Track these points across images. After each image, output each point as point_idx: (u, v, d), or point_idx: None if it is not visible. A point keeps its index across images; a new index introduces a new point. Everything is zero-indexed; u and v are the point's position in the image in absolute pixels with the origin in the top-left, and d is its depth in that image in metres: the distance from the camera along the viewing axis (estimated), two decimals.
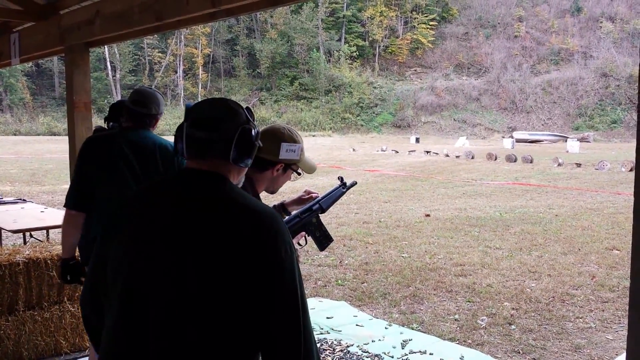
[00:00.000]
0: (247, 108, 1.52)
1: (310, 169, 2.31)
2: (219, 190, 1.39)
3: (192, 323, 1.28)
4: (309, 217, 2.47)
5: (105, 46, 45.51)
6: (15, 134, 44.00)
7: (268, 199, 2.45)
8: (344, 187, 2.61)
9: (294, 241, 2.36)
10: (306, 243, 2.44)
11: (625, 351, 1.52)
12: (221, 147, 1.41)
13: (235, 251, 1.28)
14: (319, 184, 14.78)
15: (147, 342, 1.29)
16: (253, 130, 1.46)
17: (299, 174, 2.28)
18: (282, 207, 2.55)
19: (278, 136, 2.14)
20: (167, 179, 1.49)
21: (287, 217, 2.47)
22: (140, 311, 1.31)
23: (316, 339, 4.66)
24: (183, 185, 1.41)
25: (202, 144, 1.41)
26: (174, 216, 1.35)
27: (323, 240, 2.50)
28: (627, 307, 1.49)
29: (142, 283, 1.32)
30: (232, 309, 1.28)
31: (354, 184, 2.71)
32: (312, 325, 4.73)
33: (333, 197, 2.57)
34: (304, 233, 2.41)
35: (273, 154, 2.11)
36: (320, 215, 2.52)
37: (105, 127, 3.55)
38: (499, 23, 64.29)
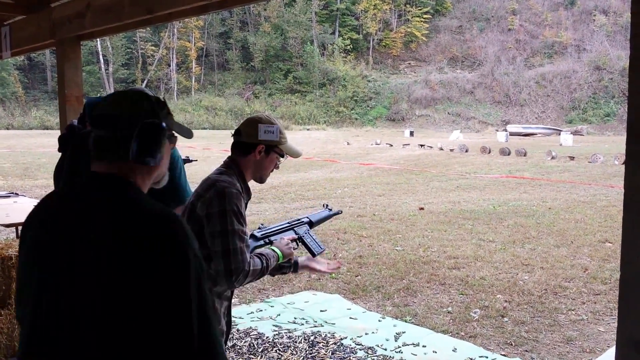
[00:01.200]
0: (157, 99, 1.42)
1: (294, 153, 2.42)
2: (117, 194, 1.29)
3: (94, 336, 1.20)
4: (298, 225, 2.58)
5: (98, 39, 45.28)
6: (7, 128, 43.75)
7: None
8: (329, 210, 2.78)
9: (285, 239, 2.41)
10: (297, 247, 2.52)
11: (615, 343, 1.53)
12: (120, 146, 1.30)
13: (127, 260, 1.19)
14: (313, 177, 14.80)
15: (56, 351, 1.24)
16: (158, 125, 1.34)
17: (282, 156, 2.36)
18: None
19: (255, 120, 2.28)
20: (73, 183, 1.39)
21: (276, 224, 2.55)
22: (48, 323, 1.25)
23: (310, 332, 4.65)
24: (84, 190, 1.32)
25: (102, 144, 1.32)
26: (70, 224, 1.27)
27: (315, 248, 2.59)
28: (619, 299, 1.51)
29: (46, 295, 1.26)
30: (130, 322, 1.19)
31: (339, 212, 2.89)
32: (306, 318, 4.68)
33: (321, 215, 2.74)
34: (293, 236, 2.50)
35: (252, 136, 2.24)
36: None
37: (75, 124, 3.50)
38: (492, 16, 64.30)
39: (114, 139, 1.30)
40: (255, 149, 2.26)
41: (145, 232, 1.22)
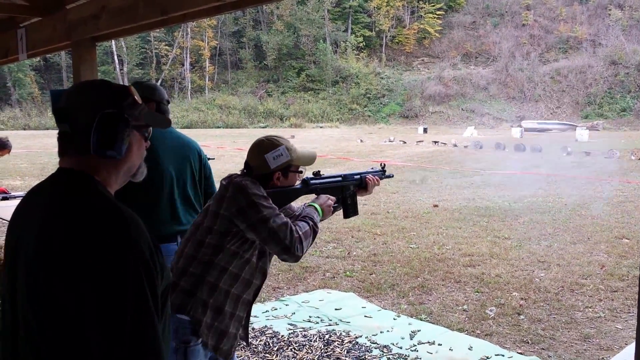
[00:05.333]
0: (120, 88, 1.35)
1: (308, 161, 2.38)
2: (69, 190, 1.24)
3: (30, 334, 1.18)
4: (349, 184, 2.56)
5: (112, 40, 45.60)
6: (24, 129, 44.19)
7: None
8: (383, 172, 2.71)
9: (329, 199, 2.43)
10: (338, 206, 2.52)
11: (634, 340, 1.52)
12: (80, 139, 1.26)
13: (62, 259, 1.14)
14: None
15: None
16: (118, 115, 1.28)
17: (301, 172, 2.37)
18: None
19: (259, 150, 2.24)
20: (46, 179, 1.34)
21: (329, 173, 2.56)
22: (10, 327, 1.23)
23: (325, 330, 4.66)
24: (45, 186, 1.30)
25: (64, 138, 1.29)
26: (27, 219, 1.25)
27: (351, 210, 2.59)
28: (637, 297, 1.49)
29: (9, 295, 1.24)
30: (63, 325, 1.14)
31: (391, 176, 2.84)
32: (320, 316, 4.68)
33: (374, 176, 2.67)
34: (335, 197, 2.48)
35: (264, 167, 2.22)
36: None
37: None
38: (506, 11, 63.78)
39: (74, 132, 1.27)
40: (272, 178, 2.26)
41: (84, 231, 1.16)
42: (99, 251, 1.14)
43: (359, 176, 2.60)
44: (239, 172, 2.31)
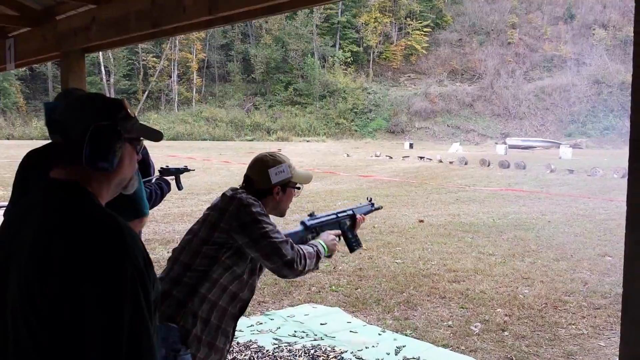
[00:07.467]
0: (113, 101, 1.36)
1: (306, 180, 2.50)
2: (61, 200, 1.25)
3: (23, 344, 1.16)
4: (344, 219, 2.68)
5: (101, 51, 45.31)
6: (8, 138, 43.73)
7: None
8: (372, 205, 2.87)
9: (331, 234, 2.52)
10: (339, 240, 2.61)
11: (617, 358, 1.54)
12: (73, 150, 1.27)
13: (54, 268, 1.14)
14: (313, 189, 14.79)
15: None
16: (111, 128, 1.29)
17: (299, 188, 2.46)
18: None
19: (263, 165, 2.34)
20: (37, 190, 1.34)
21: (324, 213, 2.67)
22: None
23: (310, 345, 4.63)
24: (37, 196, 1.31)
25: (57, 148, 1.31)
26: (16, 228, 1.26)
27: (354, 243, 2.72)
28: (619, 314, 1.51)
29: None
30: (56, 336, 1.13)
31: (380, 207, 2.98)
32: (306, 331, 4.66)
33: (364, 210, 2.82)
34: (338, 231, 2.60)
35: (265, 182, 2.31)
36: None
37: None
38: (492, 30, 64.58)
39: (68, 144, 1.28)
40: (272, 192, 2.34)
41: (81, 239, 1.16)
42: (97, 259, 1.15)
43: (350, 211, 2.73)
44: (238, 187, 2.37)
